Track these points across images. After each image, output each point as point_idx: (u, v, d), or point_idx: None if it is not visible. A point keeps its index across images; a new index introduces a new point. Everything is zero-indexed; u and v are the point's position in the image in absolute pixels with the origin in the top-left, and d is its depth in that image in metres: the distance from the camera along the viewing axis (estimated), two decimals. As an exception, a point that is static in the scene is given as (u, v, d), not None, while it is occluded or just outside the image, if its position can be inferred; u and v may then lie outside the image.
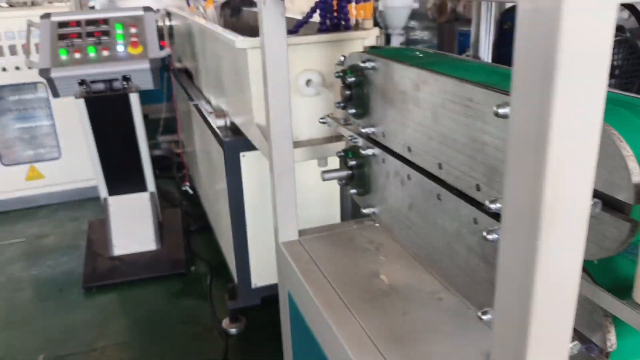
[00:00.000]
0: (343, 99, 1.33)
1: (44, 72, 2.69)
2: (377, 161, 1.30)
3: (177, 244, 3.22)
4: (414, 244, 1.19)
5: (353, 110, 1.32)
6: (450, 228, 1.03)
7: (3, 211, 3.97)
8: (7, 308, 2.89)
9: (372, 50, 1.29)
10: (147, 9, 3.00)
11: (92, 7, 5.51)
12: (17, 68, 3.77)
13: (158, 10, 3.39)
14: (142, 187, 3.10)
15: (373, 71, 1.24)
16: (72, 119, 3.94)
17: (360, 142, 1.35)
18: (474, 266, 0.97)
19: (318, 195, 2.44)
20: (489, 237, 0.87)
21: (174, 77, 4.05)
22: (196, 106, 2.94)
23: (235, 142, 2.29)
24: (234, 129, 2.42)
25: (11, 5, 3.83)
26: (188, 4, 3.79)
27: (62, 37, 2.81)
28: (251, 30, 3.54)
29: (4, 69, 3.75)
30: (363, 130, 1.30)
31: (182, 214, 3.57)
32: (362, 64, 1.24)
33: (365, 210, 1.36)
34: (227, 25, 3.46)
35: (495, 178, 0.88)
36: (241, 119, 2.22)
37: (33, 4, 3.82)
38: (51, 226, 3.79)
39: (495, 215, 0.89)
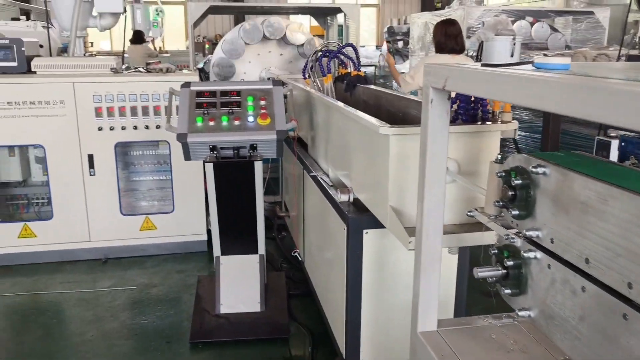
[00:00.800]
0: (506, 199, 1.34)
1: (181, 137, 2.91)
2: (539, 265, 1.29)
3: (280, 308, 3.28)
4: (583, 356, 1.16)
5: (515, 212, 1.33)
6: (638, 352, 1.00)
7: (117, 257, 4.24)
8: (118, 356, 3.03)
9: (539, 153, 1.31)
10: (276, 82, 3.20)
11: (202, 68, 5.95)
12: (147, 127, 4.11)
13: (285, 85, 3.62)
14: (253, 250, 3.21)
15: (543, 176, 1.26)
16: (187, 176, 4.21)
17: (519, 242, 1.35)
18: (669, 397, 0.93)
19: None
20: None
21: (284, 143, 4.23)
22: (314, 177, 3.05)
23: (360, 219, 2.35)
24: (355, 204, 2.48)
25: (148, 71, 4.23)
26: (304, 77, 4.01)
27: (199, 105, 3.05)
28: (365, 106, 3.69)
29: (135, 127, 4.09)
30: (526, 233, 1.30)
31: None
32: (533, 169, 1.26)
33: (521, 313, 1.34)
34: (339, 98, 3.62)
35: None
36: (370, 198, 2.28)
37: (167, 71, 4.20)
38: (160, 277, 3.98)
39: None
